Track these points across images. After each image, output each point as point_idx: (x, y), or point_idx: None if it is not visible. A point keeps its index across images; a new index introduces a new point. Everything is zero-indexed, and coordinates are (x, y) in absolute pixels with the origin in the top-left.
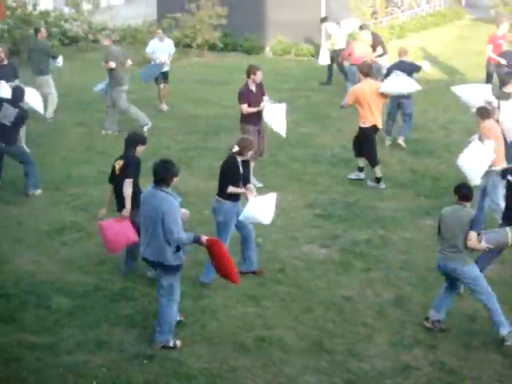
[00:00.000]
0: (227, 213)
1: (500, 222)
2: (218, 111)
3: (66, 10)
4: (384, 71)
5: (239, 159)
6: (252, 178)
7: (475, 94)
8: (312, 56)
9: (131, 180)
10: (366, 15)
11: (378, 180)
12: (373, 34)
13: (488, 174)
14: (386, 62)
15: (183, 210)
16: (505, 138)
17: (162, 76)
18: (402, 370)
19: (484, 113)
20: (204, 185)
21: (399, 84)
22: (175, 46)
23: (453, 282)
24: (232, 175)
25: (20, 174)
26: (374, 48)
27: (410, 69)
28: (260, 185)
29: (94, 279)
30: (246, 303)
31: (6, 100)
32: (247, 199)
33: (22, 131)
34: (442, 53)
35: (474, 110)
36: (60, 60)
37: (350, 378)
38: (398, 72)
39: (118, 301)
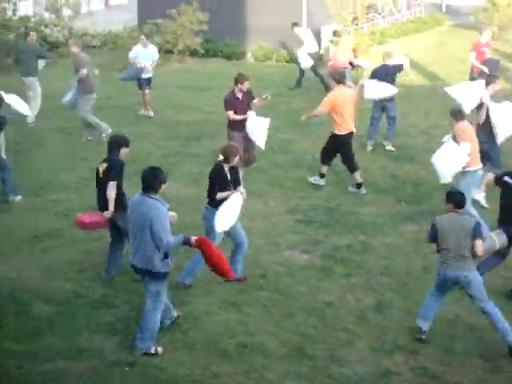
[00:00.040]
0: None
1: None
2: (199, 117)
3: (46, 15)
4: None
5: (226, 166)
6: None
7: (470, 93)
8: (287, 62)
9: (115, 182)
10: (347, 21)
11: (358, 186)
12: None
13: (463, 174)
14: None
15: (171, 213)
16: (493, 140)
17: (145, 82)
18: (383, 376)
19: (458, 114)
20: (185, 191)
21: (379, 89)
22: None
23: (447, 291)
24: (220, 182)
25: None
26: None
27: (392, 71)
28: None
29: (74, 286)
30: (228, 309)
31: None
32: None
33: (1, 138)
34: (423, 59)
35: (469, 111)
36: (41, 62)
37: None
38: (370, 81)
39: (98, 308)
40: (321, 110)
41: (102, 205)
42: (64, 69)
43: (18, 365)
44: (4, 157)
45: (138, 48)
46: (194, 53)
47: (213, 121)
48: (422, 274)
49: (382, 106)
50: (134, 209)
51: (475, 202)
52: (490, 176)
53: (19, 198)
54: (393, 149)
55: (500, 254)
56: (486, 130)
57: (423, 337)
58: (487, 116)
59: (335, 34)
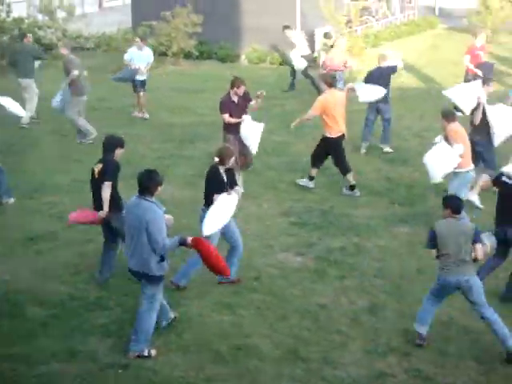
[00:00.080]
0: None
1: None
2: (193, 119)
3: (40, 17)
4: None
5: (221, 169)
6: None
7: (468, 94)
8: (280, 64)
9: (110, 183)
10: (341, 24)
11: (352, 187)
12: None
13: (454, 175)
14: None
15: (167, 216)
16: (488, 141)
17: (140, 84)
18: (377, 378)
19: (449, 115)
20: (179, 193)
21: (370, 92)
22: None
23: (445, 296)
24: (216, 184)
25: None
26: None
27: (387, 72)
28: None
29: (69, 288)
30: (222, 312)
31: None
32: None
33: None
34: (417, 61)
35: (468, 112)
36: (35, 64)
37: None
38: (361, 84)
39: (92, 310)
40: (312, 113)
41: (98, 205)
42: (57, 71)
43: (11, 367)
44: None
45: (132, 50)
46: (188, 55)
47: (207, 123)
48: (416, 275)
49: (376, 108)
50: (130, 211)
51: (470, 204)
52: (485, 177)
53: (12, 200)
54: (390, 150)
55: (500, 256)
56: (481, 131)
57: (423, 343)
58: (483, 116)
59: (326, 36)
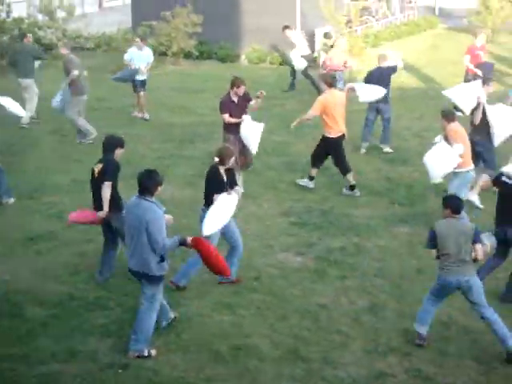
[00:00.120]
0: None
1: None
2: (193, 119)
3: (40, 17)
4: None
5: (221, 168)
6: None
7: (468, 94)
8: (280, 64)
9: (110, 183)
10: (341, 24)
11: (352, 187)
12: None
13: (454, 175)
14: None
15: (167, 217)
16: (488, 141)
17: (140, 84)
18: (377, 378)
19: (449, 115)
20: (179, 193)
21: (370, 92)
22: None
23: (445, 297)
24: (216, 184)
25: None
26: None
27: (387, 72)
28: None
29: (68, 288)
30: (222, 312)
31: None
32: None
33: None
34: (417, 61)
35: (468, 112)
36: (35, 64)
37: None
38: (360, 84)
39: (92, 310)
40: (312, 114)
41: (98, 205)
42: (57, 71)
43: (11, 367)
44: None
45: (132, 50)
46: (188, 55)
47: (207, 123)
48: (416, 275)
49: (376, 108)
50: (130, 211)
51: (470, 204)
52: (485, 177)
53: (12, 200)
54: (390, 150)
55: (500, 256)
56: (481, 131)
57: (423, 343)
58: (483, 116)
59: (326, 35)
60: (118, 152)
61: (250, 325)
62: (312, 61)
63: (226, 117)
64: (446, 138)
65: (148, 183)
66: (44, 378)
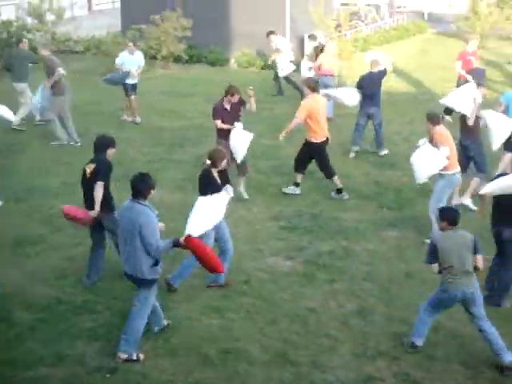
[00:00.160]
0: None
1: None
2: (183, 123)
3: (29, 20)
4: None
5: (214, 171)
6: (244, 194)
7: (464, 98)
8: (262, 69)
9: (102, 183)
10: (330, 28)
11: (339, 191)
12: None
13: (440, 177)
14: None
15: (159, 224)
16: (479, 144)
17: (131, 88)
18: (366, 381)
19: (434, 118)
20: (169, 197)
21: (347, 96)
22: None
23: (444, 309)
24: (210, 188)
25: None
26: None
27: (378, 77)
28: (247, 196)
29: (56, 292)
30: (211, 315)
31: None
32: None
33: None
34: (406, 66)
35: (469, 114)
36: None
37: None
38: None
39: (80, 314)
40: (298, 121)
41: (89, 205)
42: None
43: None
44: None
45: (124, 55)
46: (177, 59)
47: (197, 127)
48: (404, 279)
49: (367, 113)
50: (123, 215)
51: (464, 206)
52: (477, 181)
53: (0, 203)
54: (387, 151)
55: (500, 256)
56: (471, 134)
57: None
58: (476, 118)
59: (310, 37)
60: (110, 152)
61: (239, 328)
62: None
63: (219, 123)
64: (431, 141)
65: (141, 186)
66: (32, 382)
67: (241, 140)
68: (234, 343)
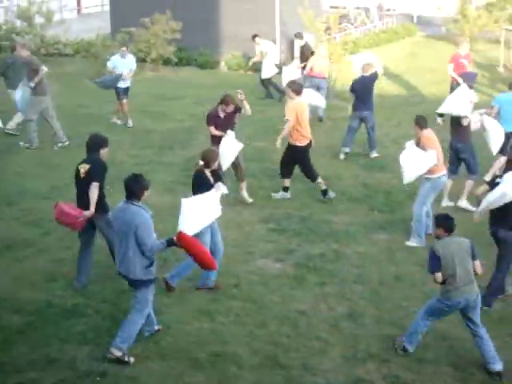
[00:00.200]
0: None
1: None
2: (172, 125)
3: (18, 23)
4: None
5: (207, 172)
6: (248, 198)
7: (460, 101)
8: (244, 71)
9: (98, 184)
10: (320, 31)
11: (324, 192)
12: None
13: (426, 179)
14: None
15: None
16: (471, 146)
17: (123, 91)
18: None
19: (422, 122)
20: (158, 199)
21: (312, 97)
22: None
23: (444, 317)
24: (204, 189)
25: None
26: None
27: (369, 80)
28: (251, 200)
29: (45, 296)
30: (201, 319)
31: None
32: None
33: None
34: (396, 68)
35: (469, 114)
36: None
37: None
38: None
39: (69, 317)
40: (291, 122)
41: (82, 205)
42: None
43: None
44: None
45: (115, 58)
46: (167, 61)
47: (186, 129)
48: (395, 282)
49: (360, 116)
50: (117, 217)
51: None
52: (470, 183)
53: None
54: (377, 154)
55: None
56: (463, 135)
57: (401, 353)
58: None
59: (297, 36)
60: (103, 152)
61: (228, 332)
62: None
63: (212, 129)
64: (418, 144)
65: (134, 187)
66: None
67: (230, 149)
68: (224, 346)
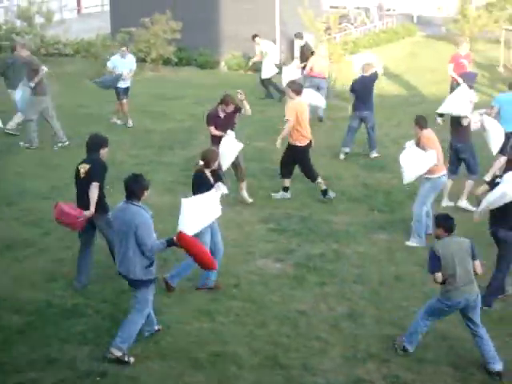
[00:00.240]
0: None
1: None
2: (172, 125)
3: (18, 23)
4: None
5: (207, 171)
6: (248, 198)
7: (460, 101)
8: (244, 71)
9: (98, 184)
10: (320, 31)
11: (324, 192)
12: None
13: (426, 179)
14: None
15: None
16: (471, 146)
17: (123, 91)
18: None
19: (422, 122)
20: (158, 199)
21: (312, 97)
22: None
23: (444, 317)
24: (204, 189)
25: None
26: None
27: (369, 80)
28: (251, 200)
29: (45, 296)
30: (201, 319)
31: None
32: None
33: None
34: (396, 68)
35: (469, 114)
36: None
37: None
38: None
39: (69, 317)
40: (291, 123)
41: (82, 205)
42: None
43: None
44: None
45: (115, 58)
46: (167, 61)
47: (186, 129)
48: (395, 282)
49: (360, 116)
50: (117, 217)
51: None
52: (470, 183)
53: None
54: (377, 154)
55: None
56: (463, 135)
57: (401, 353)
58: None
59: (297, 36)
60: (103, 152)
61: (228, 332)
62: (279, 69)
63: (212, 129)
64: (418, 144)
65: (134, 187)
66: None
67: (230, 149)
68: (224, 346)
